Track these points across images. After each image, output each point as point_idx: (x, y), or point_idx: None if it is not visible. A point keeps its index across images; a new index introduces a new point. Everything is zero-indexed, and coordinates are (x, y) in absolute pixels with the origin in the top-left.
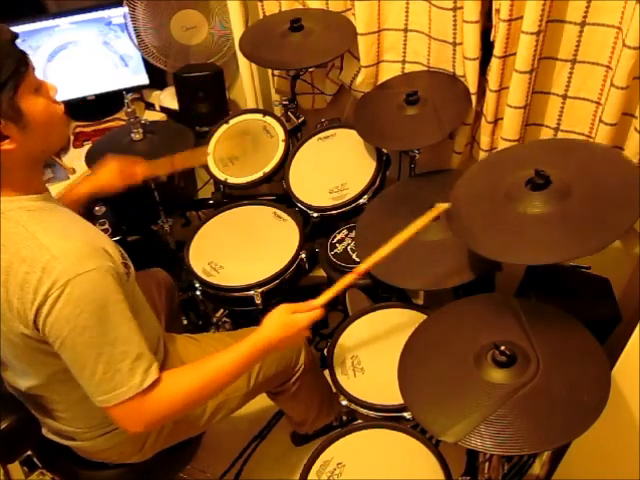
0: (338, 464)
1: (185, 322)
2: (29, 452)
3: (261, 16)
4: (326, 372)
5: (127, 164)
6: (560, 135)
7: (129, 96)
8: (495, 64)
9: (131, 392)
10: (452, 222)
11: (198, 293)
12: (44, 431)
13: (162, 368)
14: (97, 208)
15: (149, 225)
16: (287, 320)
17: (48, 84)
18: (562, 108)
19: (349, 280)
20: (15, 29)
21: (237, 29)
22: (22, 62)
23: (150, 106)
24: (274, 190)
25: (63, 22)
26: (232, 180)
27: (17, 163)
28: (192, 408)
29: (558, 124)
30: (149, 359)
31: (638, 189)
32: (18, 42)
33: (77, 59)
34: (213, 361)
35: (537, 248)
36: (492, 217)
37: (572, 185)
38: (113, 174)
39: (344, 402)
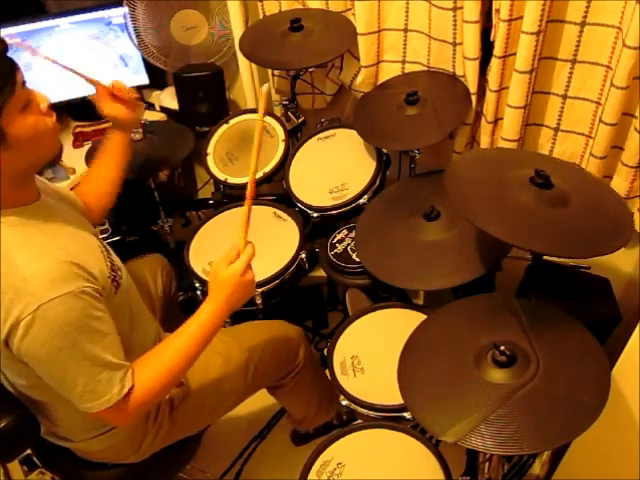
0: (338, 464)
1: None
2: (28, 451)
3: (261, 16)
4: (326, 372)
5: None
6: (560, 135)
7: None
8: (495, 64)
9: (112, 401)
10: (451, 191)
11: (198, 293)
12: (43, 432)
13: None
14: None
15: (149, 225)
16: (225, 276)
17: (38, 96)
18: (562, 108)
19: (249, 206)
20: (15, 29)
21: (237, 29)
22: (8, 81)
23: (150, 106)
24: (274, 190)
25: (63, 22)
26: (232, 180)
27: (2, 179)
28: (171, 386)
29: (558, 124)
30: (125, 367)
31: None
32: (18, 42)
33: (77, 59)
34: (174, 345)
35: (531, 236)
36: (492, 195)
37: (570, 195)
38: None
39: (344, 402)
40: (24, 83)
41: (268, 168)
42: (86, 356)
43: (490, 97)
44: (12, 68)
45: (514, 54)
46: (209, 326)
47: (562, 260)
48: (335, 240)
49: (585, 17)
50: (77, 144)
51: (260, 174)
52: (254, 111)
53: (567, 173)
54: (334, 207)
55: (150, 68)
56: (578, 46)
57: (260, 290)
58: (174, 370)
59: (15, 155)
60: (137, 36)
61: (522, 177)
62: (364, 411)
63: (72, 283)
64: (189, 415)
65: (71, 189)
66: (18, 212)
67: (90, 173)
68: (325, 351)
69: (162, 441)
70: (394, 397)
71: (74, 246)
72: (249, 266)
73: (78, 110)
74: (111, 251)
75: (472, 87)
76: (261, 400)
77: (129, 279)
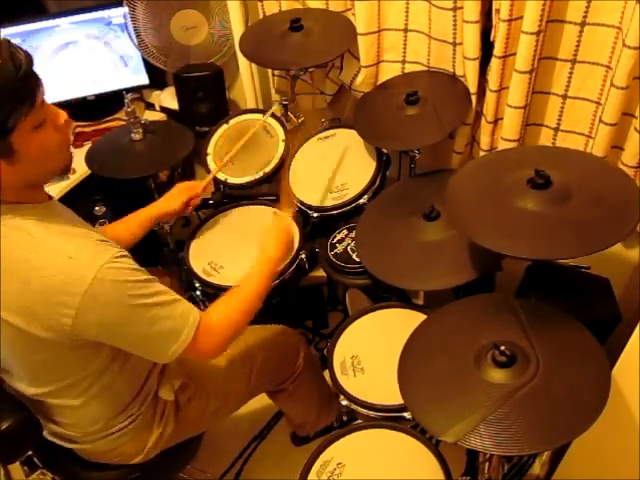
0: (338, 464)
1: None
2: (30, 452)
3: (261, 16)
4: (326, 372)
5: (193, 190)
6: (560, 135)
7: (129, 96)
8: (495, 64)
9: (192, 333)
10: (450, 212)
11: (198, 293)
12: (45, 433)
13: (162, 371)
14: (97, 208)
15: None
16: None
17: (55, 112)
18: (562, 108)
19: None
20: (15, 29)
21: (237, 29)
22: (26, 101)
23: (150, 106)
24: (274, 190)
25: (63, 22)
26: (232, 180)
27: (10, 186)
28: (243, 322)
29: (558, 124)
30: (188, 305)
31: (636, 199)
32: (19, 43)
33: (77, 59)
34: (242, 285)
35: (536, 242)
36: (491, 209)
37: (572, 189)
38: (177, 200)
39: (344, 402)
40: (43, 102)
41: (268, 168)
42: (155, 302)
43: (490, 97)
44: (34, 88)
45: (514, 54)
46: (269, 267)
47: (562, 260)
48: (335, 240)
49: (585, 17)
50: (77, 144)
51: (260, 174)
52: (254, 111)
53: (567, 163)
54: (334, 207)
55: (150, 68)
56: (578, 46)
57: None
58: (247, 303)
59: (20, 169)
60: (137, 36)
61: (520, 181)
62: (364, 411)
63: (110, 250)
64: (193, 416)
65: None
66: (35, 207)
67: (120, 223)
68: (325, 351)
69: (166, 442)
70: (394, 397)
71: (94, 232)
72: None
73: (78, 110)
74: None
75: (472, 87)
76: (261, 400)
77: None
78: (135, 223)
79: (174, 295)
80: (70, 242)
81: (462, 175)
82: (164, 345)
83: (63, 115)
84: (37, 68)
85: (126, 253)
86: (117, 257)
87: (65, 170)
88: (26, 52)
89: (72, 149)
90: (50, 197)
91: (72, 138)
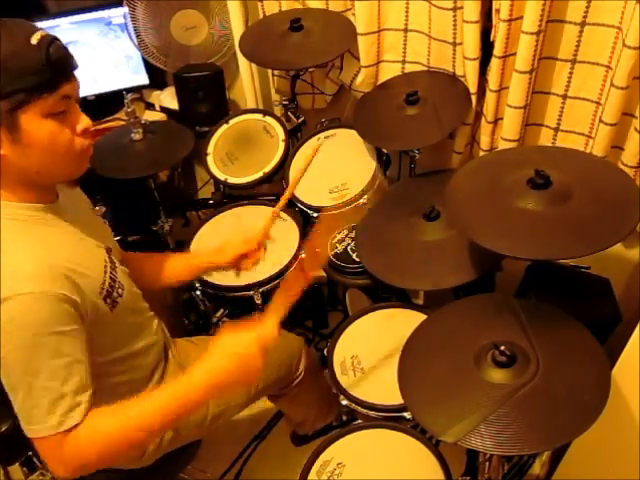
0: (338, 464)
1: (185, 322)
2: (29, 453)
3: (261, 16)
4: (326, 372)
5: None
6: (560, 135)
7: (129, 96)
8: (495, 64)
9: (45, 432)
10: (451, 213)
11: (198, 293)
12: None
13: (162, 375)
14: (97, 208)
15: (149, 225)
16: (238, 349)
17: (82, 119)
18: (562, 108)
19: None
20: None
21: (237, 29)
22: (42, 85)
23: (150, 106)
24: (274, 190)
25: (63, 22)
26: (232, 180)
27: (9, 172)
28: (123, 453)
29: (558, 124)
30: (76, 401)
31: (636, 198)
32: None
33: (77, 59)
34: (146, 403)
35: (538, 243)
36: (491, 210)
37: (572, 188)
38: (229, 257)
39: (344, 402)
40: (69, 97)
41: (268, 168)
42: (31, 371)
43: (490, 97)
44: (59, 79)
45: (514, 54)
46: (200, 393)
47: (562, 260)
48: (335, 240)
49: (585, 17)
50: None
51: (260, 174)
52: (254, 111)
53: (567, 162)
54: (334, 207)
55: (150, 68)
56: (578, 46)
57: (260, 290)
58: (134, 431)
59: (23, 154)
60: (137, 36)
61: (520, 181)
62: (364, 411)
63: (45, 285)
64: (193, 422)
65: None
66: (28, 208)
67: (181, 259)
68: (325, 351)
69: (165, 448)
70: (394, 397)
71: (72, 255)
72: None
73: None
74: (118, 267)
75: (472, 87)
76: (261, 401)
77: (134, 293)
78: (183, 266)
79: (63, 384)
80: (14, 256)
81: (462, 175)
82: (21, 416)
83: (85, 123)
84: (78, 70)
85: (70, 300)
86: (50, 297)
87: (73, 178)
88: (68, 51)
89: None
90: (56, 199)
91: (88, 153)
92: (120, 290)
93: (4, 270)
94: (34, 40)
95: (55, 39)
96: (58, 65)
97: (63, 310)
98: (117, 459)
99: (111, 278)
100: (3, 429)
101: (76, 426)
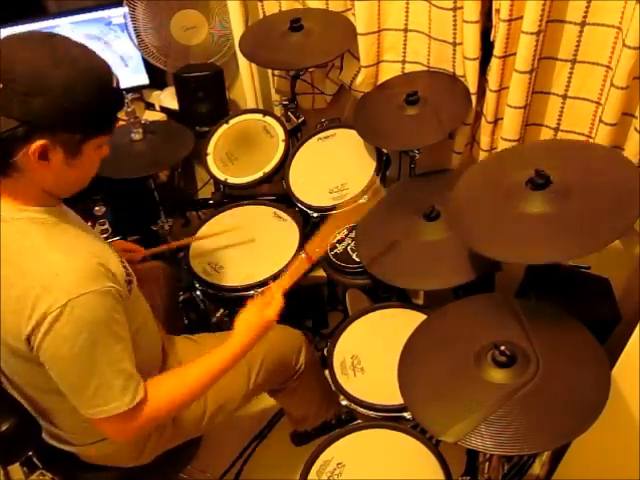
0: (338, 464)
1: (185, 322)
2: (29, 453)
3: (261, 16)
4: (326, 372)
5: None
6: (560, 135)
7: (129, 96)
8: (495, 64)
9: (122, 408)
10: (453, 222)
11: (198, 293)
12: (44, 436)
13: (160, 371)
14: (97, 208)
15: (149, 225)
16: (259, 321)
17: (107, 149)
18: (562, 108)
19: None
20: (15, 29)
21: (237, 29)
22: (111, 127)
23: (150, 106)
24: (274, 190)
25: (63, 22)
26: (232, 180)
27: (39, 183)
28: (176, 413)
29: (558, 124)
30: (138, 378)
31: (638, 189)
32: None
33: None
34: (194, 369)
35: (537, 247)
36: (492, 217)
37: (572, 185)
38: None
39: (344, 402)
40: (112, 135)
41: (268, 168)
42: (105, 359)
43: (490, 97)
44: (116, 121)
45: (514, 54)
46: (229, 361)
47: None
48: (335, 240)
49: (585, 17)
50: None
51: (260, 174)
52: (254, 111)
53: (567, 156)
54: (334, 207)
55: (150, 68)
56: (578, 46)
57: (261, 290)
58: (188, 395)
59: (64, 174)
60: (137, 36)
61: (519, 183)
62: (364, 411)
63: (100, 281)
64: (191, 419)
65: None
66: (42, 211)
67: None
68: (325, 351)
69: (165, 445)
70: (394, 397)
71: (96, 248)
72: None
73: None
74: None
75: (472, 87)
76: (261, 400)
77: (136, 285)
78: None
79: (127, 364)
80: (65, 259)
81: (463, 183)
82: (91, 401)
83: (107, 152)
84: None
85: (115, 289)
86: (103, 292)
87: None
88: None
89: None
90: (60, 201)
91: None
92: (132, 276)
93: (60, 275)
94: (114, 83)
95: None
96: (122, 106)
97: (115, 300)
98: (174, 414)
99: (123, 265)
100: (3, 429)
101: (141, 401)
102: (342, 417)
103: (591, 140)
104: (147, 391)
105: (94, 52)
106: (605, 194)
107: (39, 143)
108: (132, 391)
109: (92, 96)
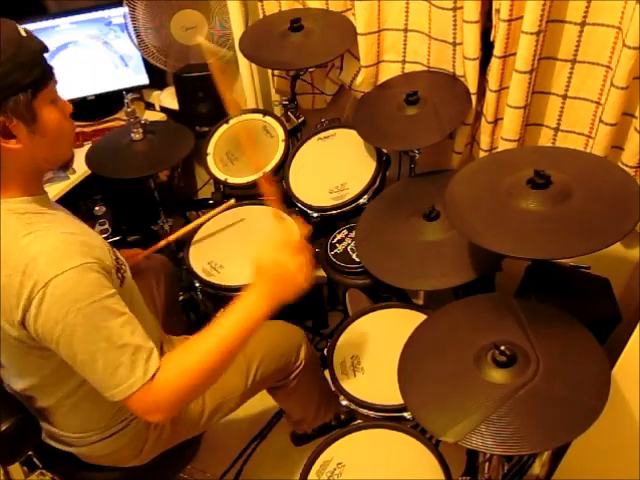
0: (338, 464)
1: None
2: (29, 452)
3: (261, 16)
4: (326, 372)
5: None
6: (560, 135)
7: (129, 96)
8: (495, 64)
9: (136, 385)
10: (451, 216)
11: (198, 293)
12: (43, 436)
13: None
14: (97, 208)
15: (149, 225)
16: (270, 264)
17: (67, 103)
18: (562, 108)
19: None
20: None
21: (237, 29)
22: (48, 73)
23: (150, 106)
24: None
25: (63, 22)
26: (232, 180)
27: (18, 165)
28: (204, 385)
29: (558, 124)
30: (148, 348)
31: (636, 196)
32: None
33: (77, 59)
34: (212, 335)
35: (539, 243)
36: (492, 211)
37: (572, 187)
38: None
39: (344, 402)
40: (56, 82)
41: (268, 168)
42: (102, 336)
43: (490, 97)
44: (51, 66)
45: (514, 54)
46: (250, 318)
47: (562, 260)
48: (335, 240)
49: (585, 17)
50: (77, 144)
51: (260, 174)
52: (254, 111)
53: (566, 161)
54: (334, 207)
55: (150, 68)
56: (578, 46)
57: None
58: (209, 363)
59: (36, 143)
60: (137, 36)
61: (520, 182)
62: (364, 411)
63: (78, 258)
64: (190, 418)
65: None
66: (24, 201)
67: None
68: (325, 351)
69: (164, 444)
70: (394, 397)
71: (80, 232)
72: (302, 249)
73: (78, 110)
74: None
75: (472, 87)
76: (261, 400)
77: (132, 280)
78: None
79: (130, 338)
80: (41, 242)
81: (461, 177)
82: (102, 384)
83: (70, 107)
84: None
85: (101, 267)
86: (86, 268)
87: (67, 164)
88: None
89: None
90: (45, 191)
91: (74, 133)
92: (124, 266)
93: (36, 258)
94: (23, 32)
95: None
96: (46, 52)
97: (102, 276)
98: (204, 388)
99: (114, 253)
100: (3, 428)
101: (157, 371)
102: (342, 418)
103: (591, 140)
104: (164, 363)
105: None
106: (605, 197)
107: None
108: (143, 364)
109: (8, 53)
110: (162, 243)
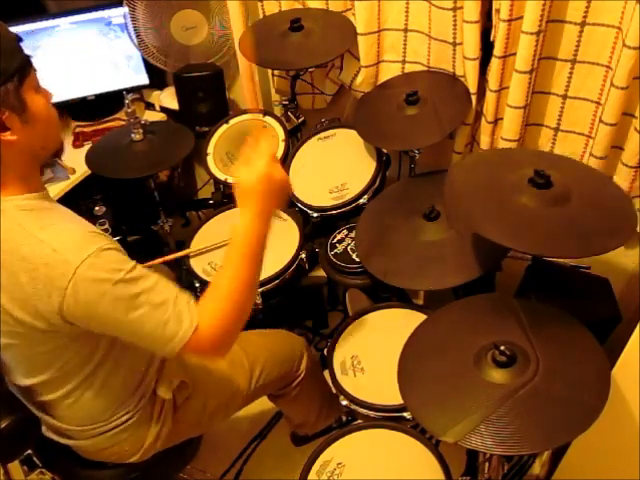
0: (338, 464)
1: None
2: (29, 451)
3: (261, 16)
4: (326, 372)
5: None
6: (560, 135)
7: (129, 96)
8: (495, 64)
9: (189, 332)
10: (451, 208)
11: (198, 293)
12: (44, 429)
13: (160, 368)
14: (97, 208)
15: (149, 225)
16: (248, 178)
17: (46, 89)
18: (562, 108)
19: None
20: (15, 29)
21: (237, 29)
22: (28, 61)
23: (150, 106)
24: None
25: (63, 22)
26: (232, 180)
27: (17, 157)
28: (243, 308)
29: (558, 124)
30: (182, 297)
31: (631, 208)
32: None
33: (77, 59)
34: (228, 267)
35: (539, 239)
36: (491, 200)
37: (571, 192)
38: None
39: (344, 402)
40: (36, 70)
41: None
42: (141, 302)
43: (490, 97)
44: (27, 55)
45: (514, 54)
46: (253, 238)
47: (562, 260)
48: (335, 240)
49: (585, 17)
50: (77, 144)
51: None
52: (254, 111)
53: (566, 169)
54: (334, 207)
55: (150, 68)
56: (578, 46)
57: (260, 290)
58: (237, 288)
59: (30, 132)
60: (137, 36)
61: (521, 179)
62: (364, 411)
63: (97, 242)
64: (191, 416)
65: None
66: (29, 198)
67: None
68: (325, 351)
69: (164, 442)
70: (394, 397)
71: (86, 223)
72: (274, 161)
73: (78, 110)
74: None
75: (472, 87)
76: (261, 401)
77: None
78: None
79: (167, 293)
80: (57, 234)
81: (461, 168)
82: (157, 343)
83: (50, 93)
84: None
85: (115, 245)
86: (104, 249)
87: (58, 153)
88: None
89: (72, 149)
90: (45, 187)
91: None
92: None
93: (57, 249)
94: None
95: None
96: (21, 41)
97: (119, 252)
98: (244, 312)
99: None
100: (3, 426)
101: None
102: (342, 417)
103: (591, 140)
104: (200, 301)
105: None
106: (602, 206)
107: None
108: (187, 311)
109: None
110: (158, 260)
